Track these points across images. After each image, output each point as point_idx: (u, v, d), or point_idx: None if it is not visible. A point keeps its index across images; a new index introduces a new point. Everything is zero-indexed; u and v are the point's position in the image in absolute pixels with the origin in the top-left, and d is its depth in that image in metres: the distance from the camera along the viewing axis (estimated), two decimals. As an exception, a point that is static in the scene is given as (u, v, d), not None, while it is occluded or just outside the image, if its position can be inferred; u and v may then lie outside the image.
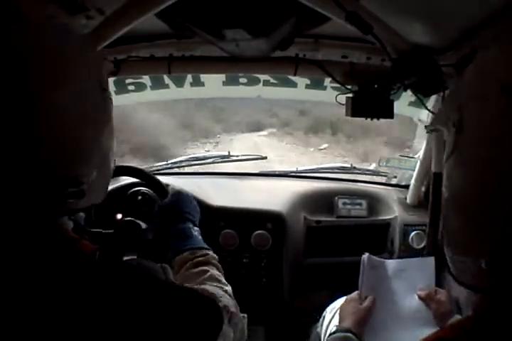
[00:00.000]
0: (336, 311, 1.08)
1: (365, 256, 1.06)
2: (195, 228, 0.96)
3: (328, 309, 1.17)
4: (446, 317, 0.96)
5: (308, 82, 1.54)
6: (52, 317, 0.49)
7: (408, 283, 1.05)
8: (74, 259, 0.54)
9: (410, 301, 1.03)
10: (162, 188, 1.17)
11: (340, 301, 1.11)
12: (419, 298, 1.02)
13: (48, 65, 0.51)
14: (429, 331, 0.92)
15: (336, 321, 1.04)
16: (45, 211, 0.53)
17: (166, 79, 1.56)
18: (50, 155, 0.51)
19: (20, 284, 0.50)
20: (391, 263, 1.09)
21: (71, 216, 0.62)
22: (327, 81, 1.50)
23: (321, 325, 1.14)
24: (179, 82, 1.58)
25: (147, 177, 1.22)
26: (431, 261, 1.06)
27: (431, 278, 1.05)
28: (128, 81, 1.54)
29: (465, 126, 0.47)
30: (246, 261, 1.53)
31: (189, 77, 1.56)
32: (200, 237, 0.94)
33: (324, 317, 1.16)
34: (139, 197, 1.39)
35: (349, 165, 2.04)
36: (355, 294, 1.04)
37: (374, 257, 1.07)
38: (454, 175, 0.49)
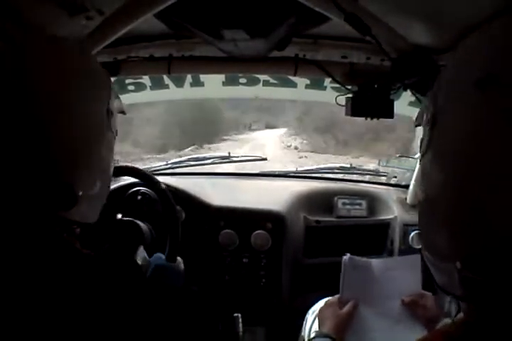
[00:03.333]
0: (317, 314, 1.04)
1: (346, 257, 1.02)
2: None
3: (310, 311, 1.15)
4: (434, 322, 0.92)
5: (308, 82, 1.54)
6: (48, 314, 0.49)
7: (393, 283, 1.00)
8: (73, 258, 0.55)
9: (395, 303, 0.98)
10: (174, 253, 1.04)
11: (321, 303, 1.08)
12: (404, 303, 0.97)
13: (55, 80, 0.54)
14: (415, 334, 0.91)
15: (316, 324, 1.01)
16: (39, 215, 0.54)
17: (166, 80, 1.56)
18: (46, 161, 0.53)
19: (19, 282, 0.50)
20: (375, 263, 1.03)
21: (67, 228, 0.60)
22: (327, 81, 1.50)
23: (304, 328, 1.12)
24: (179, 82, 1.58)
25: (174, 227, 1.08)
26: (417, 259, 1.01)
27: (417, 277, 1.00)
28: (128, 81, 1.53)
29: (438, 121, 0.46)
30: (246, 261, 1.53)
31: (189, 77, 1.56)
32: None
33: (306, 319, 1.14)
34: (139, 197, 1.39)
35: (349, 165, 2.05)
36: (335, 298, 0.99)
37: (356, 257, 1.03)
38: (428, 175, 0.48)
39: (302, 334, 1.13)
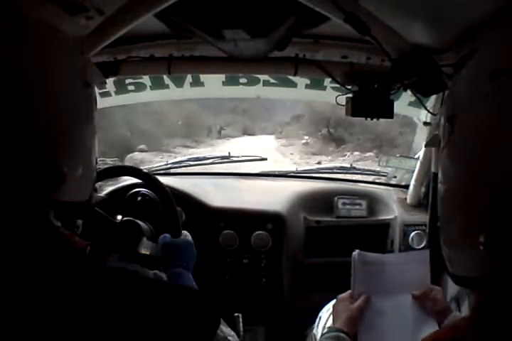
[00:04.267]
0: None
1: (356, 252, 1.04)
2: (190, 275, 1.00)
3: (324, 309, 1.16)
4: (443, 315, 0.94)
5: (308, 82, 1.54)
6: (40, 312, 0.49)
7: (403, 277, 1.01)
8: (66, 255, 0.54)
9: (405, 297, 1.00)
10: (177, 228, 1.10)
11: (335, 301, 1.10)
12: (414, 297, 0.99)
13: (31, 61, 0.52)
14: (427, 327, 0.92)
15: (331, 322, 1.03)
16: (28, 197, 0.53)
17: (166, 80, 1.56)
18: (29, 143, 0.52)
19: (10, 279, 0.49)
20: (384, 258, 1.05)
21: (57, 209, 0.60)
22: (327, 81, 1.50)
23: (317, 326, 1.12)
24: (179, 82, 1.58)
25: (171, 209, 1.12)
26: (426, 254, 1.03)
27: (426, 271, 1.01)
28: (128, 81, 1.54)
29: (457, 120, 0.49)
30: (246, 261, 1.53)
31: (189, 77, 1.56)
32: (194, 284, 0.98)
33: (320, 317, 1.14)
34: (139, 198, 1.39)
35: (349, 165, 2.05)
36: (347, 293, 1.01)
37: (365, 253, 1.04)
38: (447, 170, 0.51)
39: (314, 331, 1.13)
